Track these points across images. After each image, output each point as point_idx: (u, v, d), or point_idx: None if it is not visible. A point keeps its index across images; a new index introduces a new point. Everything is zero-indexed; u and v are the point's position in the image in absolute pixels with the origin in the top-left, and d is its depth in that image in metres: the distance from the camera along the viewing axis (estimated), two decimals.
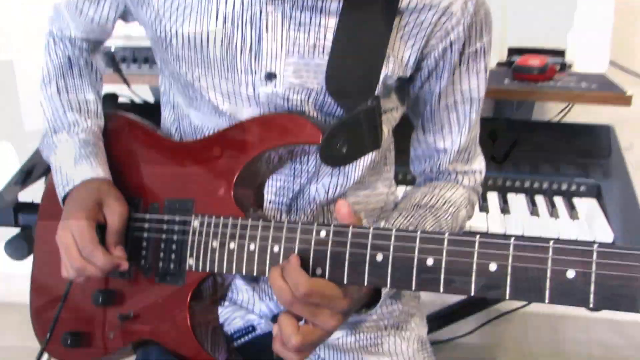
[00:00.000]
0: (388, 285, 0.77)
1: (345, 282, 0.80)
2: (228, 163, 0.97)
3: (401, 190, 1.18)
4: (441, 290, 0.75)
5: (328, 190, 1.01)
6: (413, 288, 0.76)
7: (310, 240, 0.83)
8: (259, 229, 0.89)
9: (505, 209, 1.44)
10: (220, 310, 1.08)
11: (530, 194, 1.50)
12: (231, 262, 0.92)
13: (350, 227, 0.80)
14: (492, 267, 0.72)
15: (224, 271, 0.93)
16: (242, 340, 1.08)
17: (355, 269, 0.80)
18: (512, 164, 1.55)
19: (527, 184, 1.52)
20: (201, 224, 0.96)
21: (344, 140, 0.90)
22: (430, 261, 0.75)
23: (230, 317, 1.08)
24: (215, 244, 0.94)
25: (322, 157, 0.90)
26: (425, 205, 1.02)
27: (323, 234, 0.82)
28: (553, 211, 1.42)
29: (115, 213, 1.00)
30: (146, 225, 1.03)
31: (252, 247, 0.90)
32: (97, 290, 1.06)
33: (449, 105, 1.01)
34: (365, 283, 0.79)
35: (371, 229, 0.79)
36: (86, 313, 1.09)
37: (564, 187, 1.50)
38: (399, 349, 1.08)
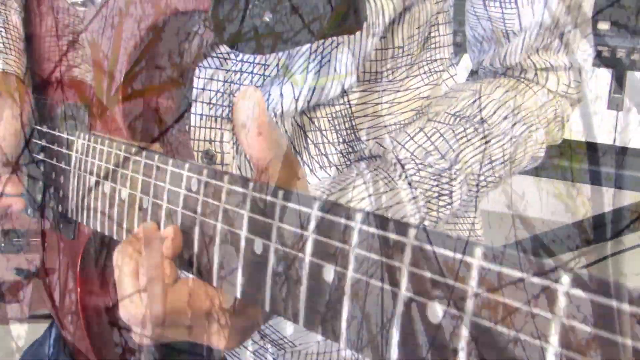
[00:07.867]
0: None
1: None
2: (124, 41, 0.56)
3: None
4: None
5: (298, 96, 0.57)
6: None
7: (181, 197, 0.42)
8: (142, 165, 0.49)
9: None
10: None
11: None
12: (102, 216, 0.54)
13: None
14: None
15: (98, 229, 0.55)
16: None
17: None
18: None
19: None
20: (82, 148, 0.58)
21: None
22: None
23: None
24: (92, 181, 0.56)
25: (216, 32, 0.45)
26: (466, 117, 0.59)
27: (195, 184, 0.41)
28: None
29: None
30: (43, 141, 0.67)
31: (123, 194, 0.50)
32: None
33: None
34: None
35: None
36: None
37: None
38: None
